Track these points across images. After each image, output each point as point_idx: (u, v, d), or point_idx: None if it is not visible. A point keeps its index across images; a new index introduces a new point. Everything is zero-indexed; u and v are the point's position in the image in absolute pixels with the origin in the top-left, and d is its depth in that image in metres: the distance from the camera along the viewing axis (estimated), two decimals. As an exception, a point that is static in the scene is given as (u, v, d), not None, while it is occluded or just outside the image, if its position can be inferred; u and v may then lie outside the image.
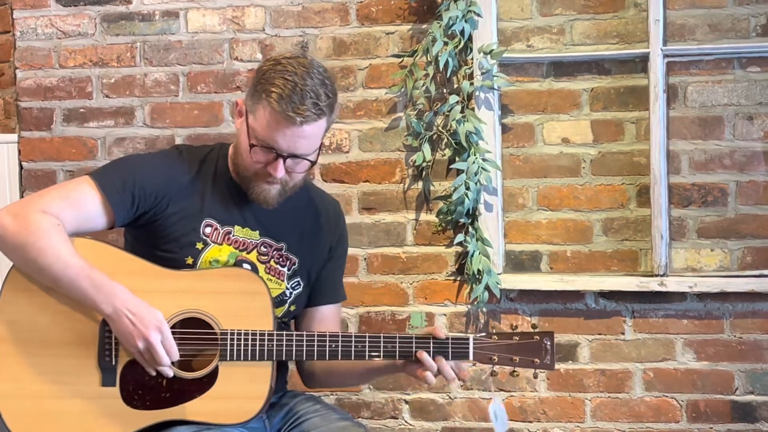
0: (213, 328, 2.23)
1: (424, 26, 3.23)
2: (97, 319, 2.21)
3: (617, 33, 3.18)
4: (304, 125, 2.20)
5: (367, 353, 2.25)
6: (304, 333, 2.26)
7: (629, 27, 3.17)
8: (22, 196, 3.44)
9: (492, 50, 3.15)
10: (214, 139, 3.31)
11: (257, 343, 2.22)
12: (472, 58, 3.18)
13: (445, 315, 3.27)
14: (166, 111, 3.40)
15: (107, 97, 3.42)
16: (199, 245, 2.32)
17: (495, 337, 2.26)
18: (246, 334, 2.22)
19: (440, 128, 3.22)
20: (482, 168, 3.15)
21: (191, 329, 2.22)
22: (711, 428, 3.16)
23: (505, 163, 3.25)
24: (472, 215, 3.19)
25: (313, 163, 2.29)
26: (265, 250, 2.38)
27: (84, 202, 2.26)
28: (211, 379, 2.22)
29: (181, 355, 2.21)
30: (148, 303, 2.18)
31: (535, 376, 2.35)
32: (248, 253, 2.36)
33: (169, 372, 2.19)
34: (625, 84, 3.18)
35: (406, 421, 3.32)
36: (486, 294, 3.17)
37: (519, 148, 3.25)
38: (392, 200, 3.29)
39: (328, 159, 3.31)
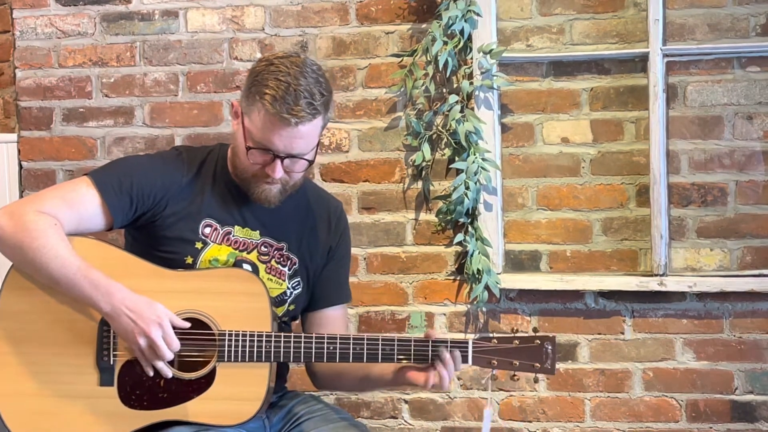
0: (211, 329, 2.23)
1: (424, 26, 3.23)
2: (96, 318, 2.21)
3: (617, 33, 3.18)
4: (299, 125, 2.19)
5: (365, 355, 2.24)
6: (302, 335, 2.26)
7: (629, 27, 3.17)
8: (21, 196, 3.44)
9: (492, 50, 3.15)
10: (213, 139, 3.31)
11: (255, 344, 2.22)
12: (471, 58, 3.18)
13: (444, 315, 3.27)
14: (165, 111, 3.40)
15: (107, 97, 3.42)
16: (198, 245, 2.32)
17: (495, 340, 2.24)
18: (244, 335, 2.22)
19: (440, 128, 3.22)
20: (482, 168, 3.15)
21: (189, 329, 2.22)
22: (710, 428, 3.16)
23: (505, 163, 3.25)
24: (472, 215, 3.19)
25: (311, 162, 2.28)
26: (266, 250, 2.38)
27: (82, 203, 2.25)
28: (208, 379, 2.22)
29: (179, 356, 2.21)
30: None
31: (536, 381, 2.32)
32: (249, 253, 2.36)
33: (168, 372, 2.19)
34: (624, 84, 3.18)
35: (405, 421, 3.32)
36: (485, 294, 3.17)
37: (518, 148, 3.25)
38: (392, 200, 3.29)
39: (328, 159, 3.31)
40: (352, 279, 3.27)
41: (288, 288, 2.40)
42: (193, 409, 2.21)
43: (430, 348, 2.23)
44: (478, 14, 3.16)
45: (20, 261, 2.21)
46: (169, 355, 2.17)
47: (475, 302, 3.21)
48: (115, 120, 3.42)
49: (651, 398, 3.19)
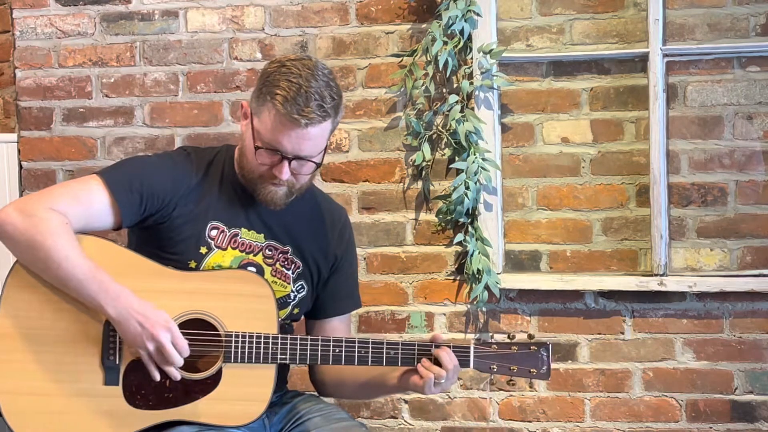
0: (217, 330, 2.23)
1: (424, 26, 3.23)
2: (101, 317, 2.21)
3: (617, 32, 3.18)
4: (309, 127, 2.20)
5: (370, 359, 2.25)
6: (309, 337, 2.27)
7: (629, 26, 3.17)
8: (21, 196, 3.44)
9: (491, 50, 3.15)
10: (213, 139, 3.32)
11: (261, 345, 2.23)
12: (471, 58, 3.18)
13: (444, 314, 3.27)
14: (165, 110, 3.40)
15: (107, 97, 3.42)
16: (203, 249, 2.32)
17: (495, 346, 2.29)
18: (250, 336, 2.22)
19: (440, 128, 3.22)
20: (482, 167, 3.15)
21: (196, 330, 2.22)
22: (710, 428, 3.16)
23: (505, 163, 3.25)
24: (472, 215, 3.19)
25: (319, 165, 2.28)
26: (271, 253, 2.38)
27: (92, 201, 2.25)
28: (214, 380, 2.22)
29: (185, 356, 2.21)
30: (154, 303, 2.18)
31: (531, 385, 2.38)
32: (255, 255, 2.36)
33: (177, 374, 2.19)
34: (624, 83, 3.18)
35: (405, 421, 3.32)
36: (485, 293, 3.17)
37: (518, 148, 3.25)
38: (392, 200, 3.29)
39: (328, 158, 3.31)
40: (352, 279, 3.28)
41: (292, 291, 2.40)
42: (199, 410, 2.21)
43: (433, 351, 2.26)
44: (478, 14, 3.16)
45: (30, 259, 2.20)
46: (179, 360, 2.17)
47: (475, 302, 3.21)
48: (115, 120, 3.42)
49: (651, 398, 3.19)
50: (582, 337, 3.22)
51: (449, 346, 2.26)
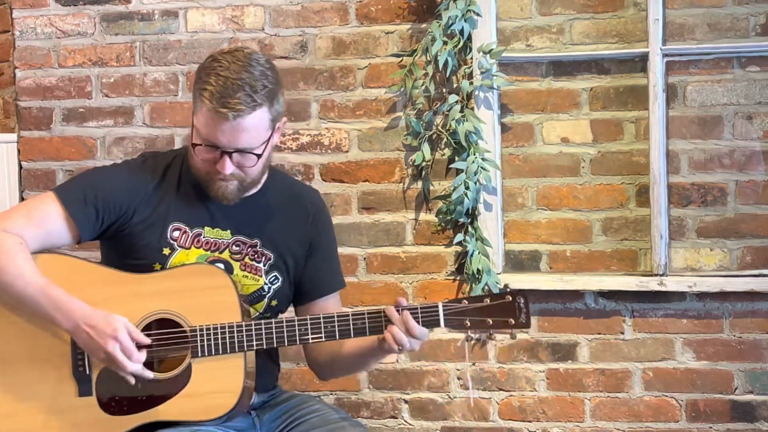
0: (182, 327, 2.23)
1: (424, 26, 3.23)
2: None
3: (617, 32, 3.18)
4: (238, 119, 2.17)
5: (337, 332, 2.23)
6: (273, 321, 2.25)
7: (629, 26, 3.17)
8: (21, 196, 3.45)
9: (491, 50, 3.15)
10: (213, 139, 3.31)
11: (227, 335, 2.22)
12: (471, 58, 3.18)
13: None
14: (165, 110, 3.40)
15: (107, 97, 3.42)
16: (166, 250, 2.31)
17: (465, 301, 2.22)
18: (215, 328, 2.22)
19: (440, 128, 3.22)
20: (482, 167, 3.15)
21: (161, 330, 2.22)
22: (710, 428, 3.16)
23: (505, 163, 3.25)
24: (472, 215, 3.19)
25: (259, 156, 2.25)
26: (238, 248, 2.37)
27: (47, 219, 2.26)
28: (185, 377, 2.22)
29: (154, 357, 2.21)
30: (115, 310, 2.18)
31: (513, 337, 2.28)
32: (221, 252, 2.36)
33: (149, 374, 2.19)
34: (624, 83, 3.18)
35: (405, 421, 3.32)
36: (485, 293, 3.16)
37: (518, 148, 3.25)
38: (392, 200, 3.29)
39: (328, 159, 3.31)
40: (352, 279, 3.28)
41: (266, 283, 2.39)
42: (172, 408, 2.20)
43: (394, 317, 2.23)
44: (477, 14, 3.15)
45: None
46: (131, 367, 2.16)
47: (474, 302, 3.21)
48: (115, 120, 3.42)
49: (651, 398, 3.19)
50: (582, 337, 3.21)
51: (417, 308, 2.21)
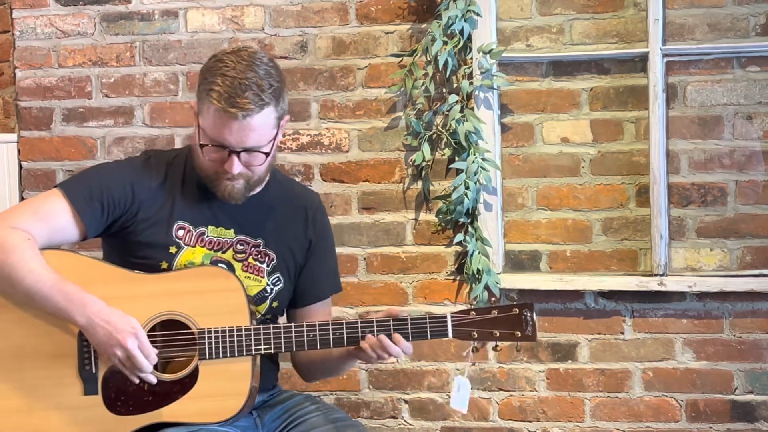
0: (190, 328, 2.23)
1: (424, 26, 3.23)
2: (74, 329, 2.21)
3: (616, 32, 3.18)
4: (247, 118, 2.19)
5: (345, 340, 2.25)
6: (282, 324, 2.26)
7: (628, 26, 3.17)
8: (21, 196, 3.45)
9: (491, 50, 3.15)
10: (213, 139, 3.32)
11: (234, 339, 2.23)
12: (471, 58, 3.18)
13: (444, 314, 3.27)
14: (165, 110, 3.40)
15: (107, 97, 3.42)
16: (173, 249, 2.32)
17: (473, 312, 2.25)
18: (223, 331, 2.22)
19: (440, 128, 3.22)
20: (482, 167, 3.15)
21: (169, 331, 2.23)
22: (710, 428, 3.16)
23: (505, 163, 3.25)
24: (472, 215, 3.19)
25: (267, 154, 2.27)
26: (242, 248, 2.37)
27: (53, 215, 2.25)
28: (192, 379, 2.22)
29: (160, 357, 2.21)
30: (124, 309, 2.18)
31: (518, 350, 2.32)
32: (224, 252, 2.36)
33: (153, 379, 2.19)
34: (624, 83, 3.18)
35: (405, 421, 3.32)
36: (485, 293, 3.17)
37: (518, 148, 3.25)
38: (392, 200, 3.29)
39: (328, 159, 3.31)
40: (352, 279, 3.28)
41: (268, 284, 2.39)
42: (179, 410, 2.21)
43: (409, 326, 2.24)
44: (477, 14, 3.15)
45: None
46: (147, 366, 2.17)
47: (475, 302, 3.21)
48: (115, 120, 3.42)
49: (651, 398, 3.19)
50: (582, 337, 3.22)
51: (425, 318, 2.23)
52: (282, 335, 2.25)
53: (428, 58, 3.19)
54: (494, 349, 2.28)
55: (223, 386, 2.22)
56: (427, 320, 2.24)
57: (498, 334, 2.25)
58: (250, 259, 2.38)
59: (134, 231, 2.31)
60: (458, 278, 3.26)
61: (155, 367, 2.20)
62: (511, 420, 3.25)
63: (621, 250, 3.20)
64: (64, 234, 2.28)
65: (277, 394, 2.48)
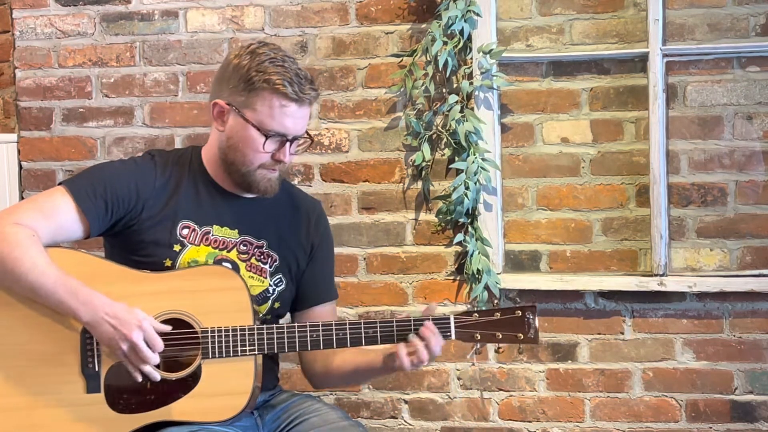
0: (194, 327, 2.23)
1: (424, 26, 3.23)
2: (78, 326, 2.21)
3: (616, 32, 3.18)
4: (308, 105, 2.29)
5: (348, 340, 2.25)
6: (285, 325, 2.26)
7: (628, 26, 3.17)
8: (21, 196, 3.45)
9: (491, 50, 3.15)
10: (213, 139, 3.32)
11: (238, 338, 2.23)
12: (471, 58, 3.18)
13: (444, 315, 3.27)
14: (165, 111, 3.40)
15: (107, 97, 3.42)
16: (177, 247, 2.32)
17: (476, 314, 2.26)
18: (226, 330, 2.22)
19: (440, 128, 3.22)
20: (482, 168, 3.15)
21: (172, 330, 2.22)
22: (710, 428, 3.16)
23: (505, 163, 3.25)
24: (472, 215, 3.19)
25: (311, 139, 2.37)
26: (245, 248, 2.38)
27: (58, 212, 2.25)
28: (195, 377, 2.22)
29: (164, 356, 2.21)
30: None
31: (520, 351, 2.33)
32: (228, 251, 2.36)
33: (156, 375, 2.19)
34: (624, 84, 3.18)
35: (405, 421, 3.32)
36: (485, 294, 3.17)
37: (518, 148, 3.25)
38: (392, 200, 3.29)
39: (328, 159, 3.31)
40: (351, 279, 3.29)
41: (270, 285, 2.40)
42: (181, 409, 2.21)
43: (412, 326, 2.24)
44: (477, 14, 3.16)
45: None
46: (154, 358, 2.17)
47: (475, 302, 3.21)
48: (115, 120, 3.42)
49: (651, 398, 3.19)
50: (582, 337, 3.22)
51: (428, 319, 2.24)
52: (285, 335, 2.25)
53: (428, 59, 3.19)
54: (496, 351, 2.29)
55: (226, 385, 2.22)
56: (430, 321, 2.25)
57: (500, 336, 2.25)
58: (253, 260, 2.38)
59: (138, 230, 2.31)
60: (458, 278, 3.26)
61: (158, 365, 2.20)
62: (511, 420, 3.25)
63: (621, 250, 3.20)
64: (68, 231, 2.27)
65: (278, 393, 2.48)
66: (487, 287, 3.16)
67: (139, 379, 2.20)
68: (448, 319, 2.25)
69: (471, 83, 3.17)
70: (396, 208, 3.29)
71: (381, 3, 3.27)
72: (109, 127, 3.42)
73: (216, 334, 2.22)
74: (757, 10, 3.10)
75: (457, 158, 3.18)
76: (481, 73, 3.17)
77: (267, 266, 2.40)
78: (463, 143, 3.15)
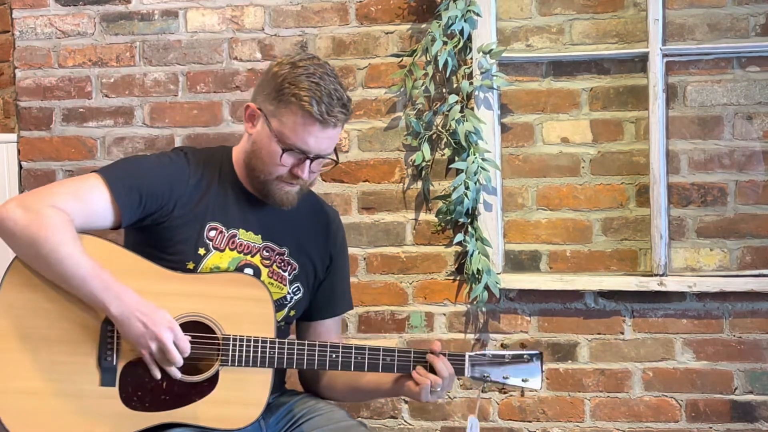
0: (215, 333, 2.23)
1: (424, 26, 3.23)
2: (99, 317, 2.20)
3: (616, 32, 3.18)
4: (335, 127, 2.25)
5: (366, 364, 2.27)
6: (306, 342, 2.27)
7: (628, 26, 3.17)
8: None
9: (491, 50, 3.15)
10: (213, 139, 3.32)
11: (259, 350, 2.23)
12: (471, 58, 3.18)
13: (444, 315, 3.27)
14: (165, 111, 3.40)
15: (106, 97, 3.42)
16: (201, 251, 2.31)
17: (489, 355, 2.33)
18: (248, 340, 2.23)
19: (439, 128, 3.22)
20: (481, 167, 3.15)
21: (194, 333, 2.22)
22: (710, 428, 3.16)
23: (505, 163, 3.25)
24: (472, 215, 3.19)
25: (337, 161, 2.32)
26: (268, 254, 2.38)
27: (92, 199, 2.24)
28: (211, 383, 2.22)
29: (186, 357, 2.21)
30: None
31: (522, 394, 2.41)
32: (252, 256, 2.36)
33: (177, 374, 2.19)
34: (624, 84, 3.18)
35: (405, 421, 3.32)
36: (485, 294, 3.17)
37: (518, 148, 3.25)
38: (392, 200, 3.29)
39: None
40: (352, 279, 3.27)
41: (288, 293, 2.40)
42: (194, 412, 2.21)
43: (427, 357, 2.29)
44: (477, 14, 3.16)
45: (32, 256, 2.18)
46: (180, 360, 2.17)
47: (475, 302, 3.21)
48: (115, 120, 3.42)
49: (651, 398, 3.19)
50: (582, 337, 3.22)
51: (444, 354, 2.29)
52: (306, 353, 2.25)
53: (428, 58, 3.19)
54: (500, 391, 2.35)
55: (242, 395, 2.23)
56: (447, 357, 2.29)
57: (508, 379, 2.34)
58: (275, 266, 2.39)
59: (168, 227, 2.30)
60: (458, 278, 3.26)
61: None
62: (511, 420, 3.25)
63: (621, 250, 3.20)
64: (100, 220, 2.25)
65: (282, 394, 2.48)
66: (487, 287, 3.16)
67: (158, 376, 2.19)
68: (464, 357, 2.31)
69: (471, 83, 3.17)
70: (396, 208, 3.29)
71: (381, 3, 3.27)
72: (109, 127, 3.42)
73: (237, 342, 2.22)
74: (757, 10, 3.10)
75: (457, 158, 3.18)
76: (481, 73, 3.17)
77: (286, 274, 2.40)
78: (463, 143, 3.15)
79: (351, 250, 3.30)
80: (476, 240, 3.17)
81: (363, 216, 3.31)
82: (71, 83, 3.43)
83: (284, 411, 2.41)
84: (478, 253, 3.16)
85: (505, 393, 2.32)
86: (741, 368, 3.14)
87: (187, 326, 2.23)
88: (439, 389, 2.27)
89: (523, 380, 2.33)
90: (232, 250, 2.34)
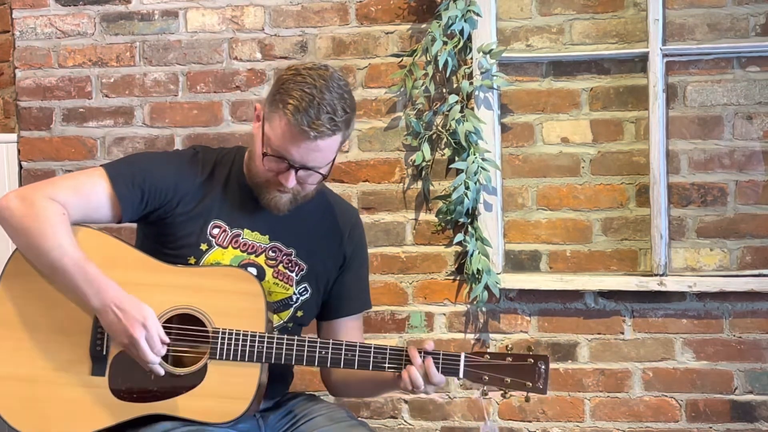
0: (205, 326, 2.24)
1: (424, 26, 3.23)
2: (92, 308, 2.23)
3: (616, 32, 3.18)
4: (318, 140, 2.19)
5: (356, 362, 2.25)
6: (295, 338, 2.26)
7: (628, 26, 3.17)
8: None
9: (491, 50, 3.15)
10: (213, 139, 3.32)
11: (248, 344, 2.23)
12: (471, 58, 3.18)
13: (444, 315, 3.27)
14: (165, 111, 3.40)
15: (106, 97, 3.42)
16: (204, 246, 2.32)
17: (487, 356, 2.24)
18: (237, 334, 2.23)
19: (440, 128, 3.22)
20: (482, 167, 3.15)
21: (184, 325, 2.23)
22: (710, 428, 3.16)
23: (505, 163, 3.25)
24: (472, 215, 3.19)
25: (325, 176, 2.28)
26: (274, 254, 2.38)
27: (92, 193, 2.27)
28: (199, 376, 2.23)
29: (171, 351, 2.22)
30: (142, 297, 2.19)
31: (527, 400, 2.30)
32: (257, 256, 2.36)
33: (160, 370, 2.20)
34: (624, 84, 3.18)
35: (405, 421, 3.32)
36: (485, 293, 3.17)
37: (518, 148, 3.25)
38: (391, 200, 3.29)
39: (328, 158, 3.31)
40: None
41: (295, 293, 2.40)
42: (182, 405, 2.21)
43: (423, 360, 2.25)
44: (477, 14, 3.16)
45: (23, 245, 2.23)
46: (152, 357, 2.17)
47: (475, 302, 3.21)
48: (115, 120, 3.42)
49: (651, 398, 3.19)
50: (582, 337, 3.22)
51: (439, 354, 2.24)
52: (294, 348, 2.25)
53: (428, 58, 3.19)
54: (503, 395, 2.27)
55: (230, 388, 2.22)
56: (441, 356, 2.25)
57: (509, 382, 2.23)
58: (281, 267, 2.38)
59: (171, 223, 2.32)
60: (458, 278, 3.26)
61: (164, 358, 2.20)
62: (511, 420, 3.25)
63: (621, 250, 3.20)
64: (99, 214, 2.29)
65: (283, 396, 2.48)
66: (487, 287, 3.16)
67: (147, 369, 2.20)
68: (459, 357, 2.24)
69: (471, 83, 3.17)
70: (396, 208, 3.29)
71: (381, 3, 3.27)
72: (109, 127, 3.42)
73: (227, 335, 2.23)
74: (757, 10, 3.10)
75: (457, 158, 3.18)
76: (481, 73, 3.17)
77: (293, 274, 2.40)
78: (463, 143, 3.15)
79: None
80: (476, 240, 3.17)
81: (363, 216, 3.30)
82: (71, 83, 3.43)
83: (284, 411, 2.41)
84: (478, 253, 3.16)
85: (508, 397, 2.27)
86: (741, 368, 3.14)
87: (178, 318, 2.24)
88: (420, 386, 2.23)
89: (525, 384, 2.22)
90: (235, 248, 2.34)
